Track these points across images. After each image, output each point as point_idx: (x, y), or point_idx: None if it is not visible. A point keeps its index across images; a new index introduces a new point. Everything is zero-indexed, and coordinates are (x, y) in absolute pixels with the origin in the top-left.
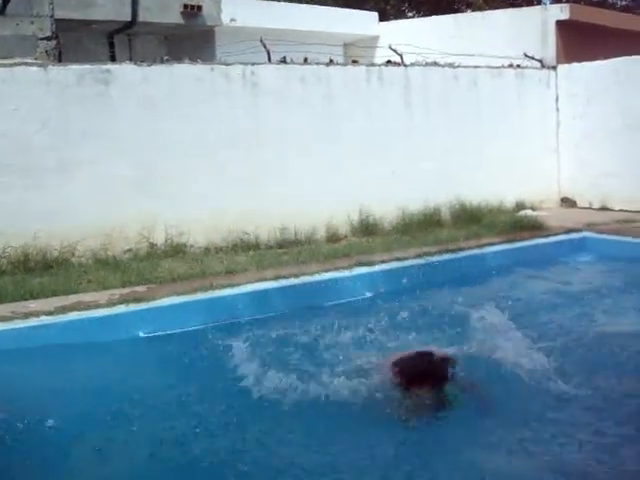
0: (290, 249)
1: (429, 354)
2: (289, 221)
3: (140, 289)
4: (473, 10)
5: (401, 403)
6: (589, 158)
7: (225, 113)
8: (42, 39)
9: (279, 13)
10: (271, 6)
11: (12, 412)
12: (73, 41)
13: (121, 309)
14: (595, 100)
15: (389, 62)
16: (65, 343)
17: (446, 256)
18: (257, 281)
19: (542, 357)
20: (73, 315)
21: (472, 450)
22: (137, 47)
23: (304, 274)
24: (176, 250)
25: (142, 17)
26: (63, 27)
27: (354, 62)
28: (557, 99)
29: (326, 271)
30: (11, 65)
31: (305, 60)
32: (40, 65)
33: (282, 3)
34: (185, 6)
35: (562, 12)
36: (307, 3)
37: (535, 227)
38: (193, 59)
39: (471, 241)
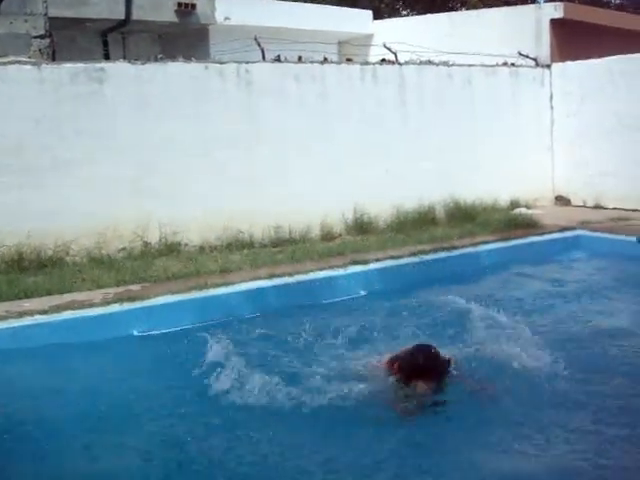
0: (284, 248)
1: (428, 346)
2: (283, 220)
3: (134, 288)
4: (467, 8)
5: (398, 400)
6: (583, 156)
7: (218, 111)
8: (36, 37)
9: (273, 11)
10: (265, 4)
11: (5, 410)
12: (67, 39)
13: (115, 308)
14: (589, 98)
15: (383, 60)
16: (59, 342)
17: (441, 254)
18: (251, 280)
19: (537, 354)
20: (67, 314)
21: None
22: (131, 45)
23: (298, 273)
24: (170, 249)
25: (136, 15)
26: (57, 25)
27: (348, 60)
28: (551, 97)
29: (320, 270)
30: (5, 64)
31: (299, 58)
32: (34, 64)
33: (276, 1)
34: (179, 4)
35: (556, 11)
36: (301, 1)
37: (529, 225)
38: (187, 57)
39: (465, 239)
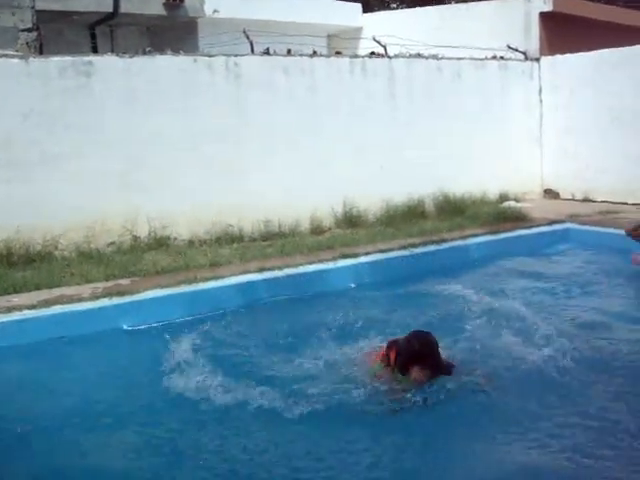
0: (274, 241)
1: (426, 333)
2: (273, 214)
3: (124, 282)
4: (457, 2)
5: (391, 392)
6: (572, 149)
7: (207, 105)
8: (23, 30)
9: (262, 4)
10: None
11: None
12: (54, 33)
13: (104, 302)
14: (578, 92)
15: (373, 54)
16: (48, 337)
17: (430, 247)
18: (241, 273)
19: (527, 345)
20: (56, 309)
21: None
22: (119, 39)
23: (288, 266)
24: (160, 243)
25: (124, 8)
26: (44, 18)
27: (338, 54)
28: (540, 91)
29: (310, 263)
30: None
31: (288, 51)
32: (21, 57)
33: None
34: None
35: (545, 4)
36: None
37: (518, 218)
38: (176, 51)
39: (455, 232)
